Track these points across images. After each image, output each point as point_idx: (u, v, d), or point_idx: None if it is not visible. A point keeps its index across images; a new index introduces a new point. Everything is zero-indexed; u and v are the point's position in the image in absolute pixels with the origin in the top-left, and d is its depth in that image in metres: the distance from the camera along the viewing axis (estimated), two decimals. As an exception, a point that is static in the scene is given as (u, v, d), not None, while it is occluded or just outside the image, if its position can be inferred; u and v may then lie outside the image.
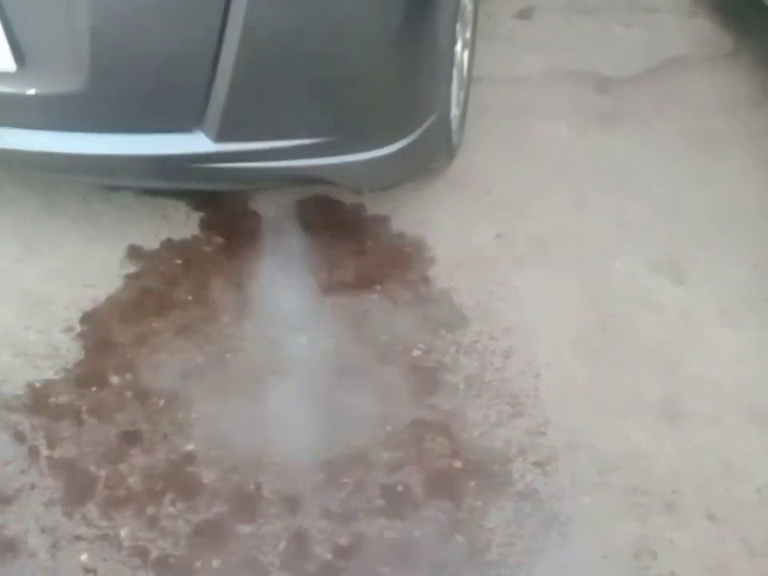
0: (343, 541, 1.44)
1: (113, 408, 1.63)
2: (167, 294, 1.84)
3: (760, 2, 2.49)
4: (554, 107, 2.34)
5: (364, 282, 1.87)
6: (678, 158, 2.19)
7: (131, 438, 1.58)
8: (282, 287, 1.87)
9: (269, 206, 2.04)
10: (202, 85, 1.53)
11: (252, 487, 1.51)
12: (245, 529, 1.46)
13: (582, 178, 2.13)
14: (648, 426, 1.61)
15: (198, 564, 1.41)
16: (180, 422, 1.60)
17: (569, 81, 2.44)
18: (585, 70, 2.48)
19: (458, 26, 1.88)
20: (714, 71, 2.50)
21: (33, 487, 1.51)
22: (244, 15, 1.45)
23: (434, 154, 1.97)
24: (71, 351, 1.73)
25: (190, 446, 1.57)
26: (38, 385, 1.66)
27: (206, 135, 1.58)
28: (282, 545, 1.44)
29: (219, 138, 1.58)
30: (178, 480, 1.52)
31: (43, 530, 1.45)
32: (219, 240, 1.97)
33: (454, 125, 1.99)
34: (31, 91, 1.55)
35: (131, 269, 1.89)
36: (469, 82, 2.18)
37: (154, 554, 1.42)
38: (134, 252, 1.93)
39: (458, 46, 1.95)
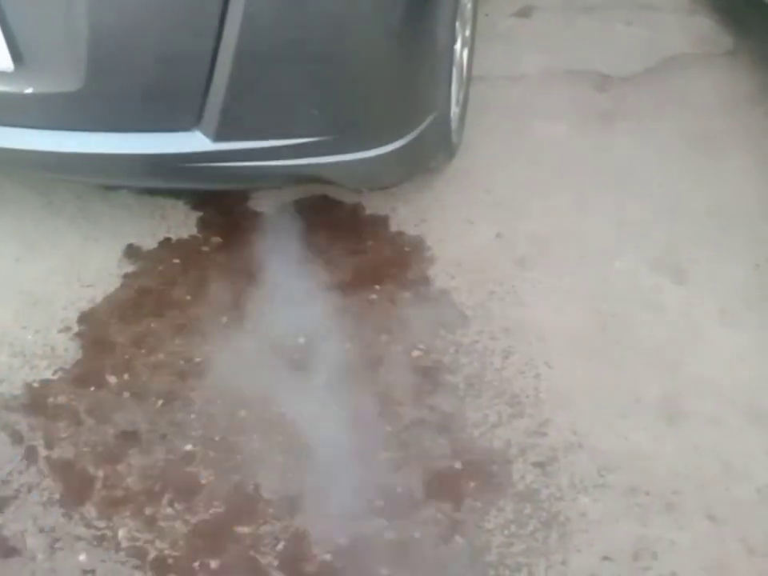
0: (342, 541, 1.44)
1: (111, 408, 1.62)
2: (165, 294, 1.84)
3: (760, 1, 2.49)
4: (553, 106, 2.34)
5: (363, 282, 1.86)
6: (678, 157, 2.19)
7: (129, 438, 1.58)
8: (281, 287, 1.86)
9: (267, 206, 2.04)
10: (200, 84, 1.52)
11: (250, 487, 1.51)
12: (243, 529, 1.45)
13: (582, 177, 2.12)
14: (648, 426, 1.60)
15: (197, 564, 1.41)
16: (178, 422, 1.60)
17: (568, 80, 2.43)
18: (584, 69, 2.47)
19: (457, 25, 1.88)
20: (713, 70, 2.50)
21: (31, 487, 1.50)
22: (242, 14, 1.44)
23: (433, 153, 1.96)
24: (69, 351, 1.72)
25: (188, 447, 1.57)
26: (35, 385, 1.66)
27: (204, 134, 1.58)
28: (281, 545, 1.43)
29: (217, 137, 1.58)
30: (177, 480, 1.52)
31: (41, 531, 1.45)
32: (217, 240, 1.96)
33: (454, 124, 1.99)
34: (29, 90, 1.54)
35: (129, 268, 1.89)
36: (468, 80, 2.18)
37: (152, 555, 1.42)
38: (133, 252, 1.92)
39: (458, 45, 1.95)
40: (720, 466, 1.54)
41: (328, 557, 1.42)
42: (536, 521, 1.46)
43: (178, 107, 1.57)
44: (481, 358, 1.72)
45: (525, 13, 2.72)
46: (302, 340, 1.75)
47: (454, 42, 1.88)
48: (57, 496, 1.49)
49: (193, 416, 1.61)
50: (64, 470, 1.53)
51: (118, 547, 1.42)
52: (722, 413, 1.62)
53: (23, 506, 1.48)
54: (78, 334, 1.75)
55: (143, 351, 1.72)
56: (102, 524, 1.45)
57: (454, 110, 1.98)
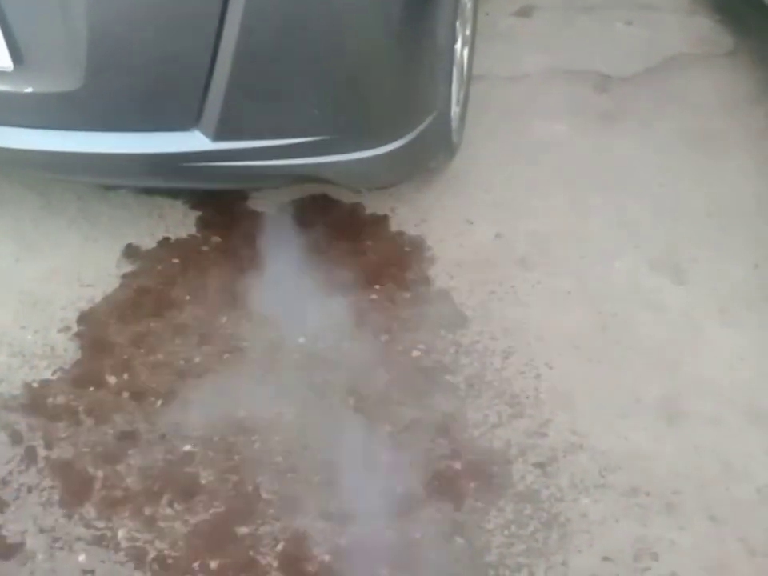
0: (342, 542, 1.43)
1: (110, 408, 1.62)
2: (164, 294, 1.83)
3: (760, 1, 2.49)
4: (553, 106, 2.33)
5: (363, 282, 1.86)
6: (678, 157, 2.19)
7: (129, 438, 1.57)
8: (281, 287, 1.86)
9: (267, 205, 2.04)
10: (200, 83, 1.52)
11: (250, 488, 1.50)
12: (243, 530, 1.45)
13: (582, 177, 2.12)
14: (648, 426, 1.60)
15: (196, 565, 1.41)
16: (178, 422, 1.60)
17: (568, 79, 2.43)
18: (585, 69, 2.47)
19: (457, 24, 1.87)
20: (713, 70, 2.49)
21: (30, 488, 1.50)
22: (242, 13, 1.44)
23: (433, 153, 1.96)
24: (68, 351, 1.72)
25: (187, 447, 1.56)
26: (35, 385, 1.66)
27: (203, 134, 1.58)
28: (281, 546, 1.43)
29: (217, 136, 1.58)
30: (176, 481, 1.51)
31: (41, 531, 1.44)
32: (217, 239, 1.96)
33: (454, 123, 1.99)
34: (28, 90, 1.54)
35: (128, 268, 1.89)
36: (469, 80, 2.17)
37: (151, 555, 1.42)
38: (132, 251, 1.92)
39: (458, 44, 1.94)
40: (720, 466, 1.54)
41: (328, 557, 1.41)
42: (536, 521, 1.46)
43: (178, 107, 1.57)
44: (481, 358, 1.71)
45: (525, 12, 2.72)
46: (301, 340, 1.75)
47: (454, 41, 1.87)
48: (56, 496, 1.49)
49: (192, 416, 1.61)
50: (63, 470, 1.53)
51: (117, 547, 1.42)
52: (722, 413, 1.62)
53: (23, 506, 1.47)
54: (78, 334, 1.75)
55: (142, 351, 1.72)
56: (101, 524, 1.45)
57: (455, 109, 1.98)
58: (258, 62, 1.51)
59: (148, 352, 1.72)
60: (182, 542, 1.43)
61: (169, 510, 1.47)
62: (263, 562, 1.41)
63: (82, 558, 1.41)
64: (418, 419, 1.61)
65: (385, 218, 2.01)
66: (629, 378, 1.68)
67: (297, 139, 1.61)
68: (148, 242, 1.94)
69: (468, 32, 2.10)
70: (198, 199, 2.04)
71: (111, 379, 1.67)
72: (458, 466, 1.54)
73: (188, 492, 1.50)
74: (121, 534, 1.44)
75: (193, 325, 1.77)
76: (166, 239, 1.95)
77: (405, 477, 1.52)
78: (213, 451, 1.55)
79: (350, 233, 1.97)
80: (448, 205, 2.05)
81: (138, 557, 1.41)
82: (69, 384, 1.66)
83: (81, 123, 1.60)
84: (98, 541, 1.43)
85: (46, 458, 1.54)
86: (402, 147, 1.70)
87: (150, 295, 1.83)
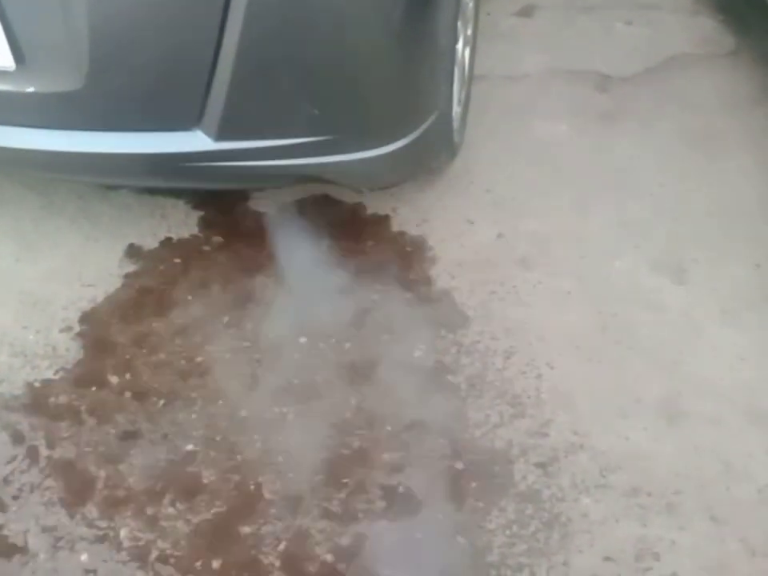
0: (344, 542, 1.44)
1: (112, 408, 1.62)
2: (166, 294, 1.83)
3: (761, 1, 2.49)
4: (554, 106, 2.33)
5: (364, 282, 1.86)
6: (678, 157, 2.19)
7: (131, 437, 1.58)
8: (282, 286, 1.86)
9: (268, 205, 2.04)
10: (202, 83, 1.52)
11: (252, 487, 1.51)
12: (245, 529, 1.45)
13: (582, 177, 2.12)
14: (648, 426, 1.60)
15: (198, 564, 1.41)
16: (180, 422, 1.60)
17: (569, 79, 2.43)
18: (585, 69, 2.47)
19: (459, 24, 1.87)
20: (714, 70, 2.49)
21: (32, 487, 1.50)
22: (244, 13, 1.44)
23: (435, 153, 1.96)
24: (70, 351, 1.72)
25: (189, 446, 1.57)
26: (37, 385, 1.66)
27: (205, 134, 1.58)
28: (283, 545, 1.43)
29: (219, 136, 1.58)
30: (178, 480, 1.52)
31: (43, 530, 1.45)
32: (218, 239, 1.96)
33: (456, 123, 1.99)
34: (30, 89, 1.54)
35: (130, 268, 1.89)
36: (470, 80, 2.18)
37: (153, 555, 1.42)
38: (133, 251, 1.92)
39: (460, 44, 1.94)
40: (720, 465, 1.54)
41: (329, 557, 1.42)
42: (538, 521, 1.46)
43: (180, 106, 1.57)
44: (482, 358, 1.72)
45: (526, 12, 2.72)
46: (303, 340, 1.75)
47: (455, 41, 1.87)
48: (58, 496, 1.49)
49: (194, 416, 1.61)
50: (65, 469, 1.53)
51: (119, 547, 1.43)
52: (722, 413, 1.62)
53: (25, 505, 1.48)
54: (80, 334, 1.75)
55: (144, 351, 1.72)
56: (103, 524, 1.46)
57: (456, 109, 1.98)
58: (260, 62, 1.51)
59: (150, 352, 1.72)
60: (184, 541, 1.44)
61: (171, 510, 1.48)
62: (265, 561, 1.42)
63: (84, 557, 1.42)
64: (419, 419, 1.61)
65: (386, 218, 2.01)
66: (629, 378, 1.68)
67: (299, 139, 1.61)
68: (150, 242, 1.94)
69: (469, 32, 2.10)
70: (200, 199, 2.04)
71: (113, 379, 1.68)
72: (459, 465, 1.54)
73: (190, 491, 1.50)
74: (123, 533, 1.44)
75: (194, 325, 1.77)
76: (168, 239, 1.95)
77: (406, 477, 1.52)
78: (215, 451, 1.56)
79: (351, 233, 1.97)
80: (449, 205, 2.05)
81: (140, 556, 1.42)
82: (71, 384, 1.66)
83: (82, 123, 1.60)
84: (100, 540, 1.43)
85: (48, 458, 1.54)
86: (404, 147, 1.70)
87: (152, 295, 1.83)
